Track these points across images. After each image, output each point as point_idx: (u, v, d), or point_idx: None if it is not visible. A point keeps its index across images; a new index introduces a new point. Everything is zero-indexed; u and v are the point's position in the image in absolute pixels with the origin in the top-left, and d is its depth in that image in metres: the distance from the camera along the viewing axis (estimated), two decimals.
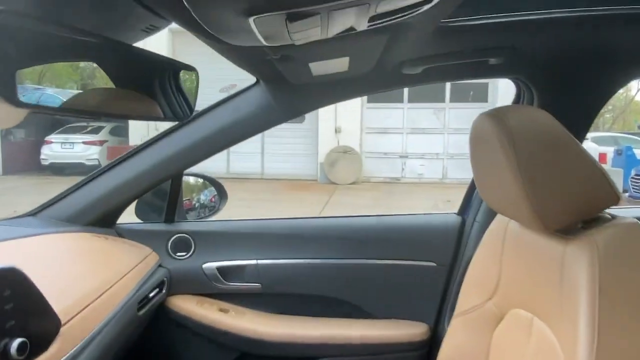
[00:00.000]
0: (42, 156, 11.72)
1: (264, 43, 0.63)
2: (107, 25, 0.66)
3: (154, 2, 0.61)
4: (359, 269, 1.60)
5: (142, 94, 0.72)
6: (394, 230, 1.65)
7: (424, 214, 1.71)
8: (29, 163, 12.09)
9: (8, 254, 1.14)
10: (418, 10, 0.62)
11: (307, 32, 0.59)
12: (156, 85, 0.72)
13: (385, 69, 1.21)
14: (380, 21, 0.61)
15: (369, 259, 1.59)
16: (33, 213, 1.48)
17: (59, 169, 11.38)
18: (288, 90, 1.32)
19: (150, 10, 0.64)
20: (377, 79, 1.31)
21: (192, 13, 0.56)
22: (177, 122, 1.42)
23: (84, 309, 1.04)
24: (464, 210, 1.64)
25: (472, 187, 1.62)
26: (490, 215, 1.20)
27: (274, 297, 1.64)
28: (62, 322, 0.91)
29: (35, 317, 0.84)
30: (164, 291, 1.51)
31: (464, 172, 11.25)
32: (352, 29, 0.62)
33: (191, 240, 1.61)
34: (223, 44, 0.74)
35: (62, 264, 1.21)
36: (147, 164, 1.48)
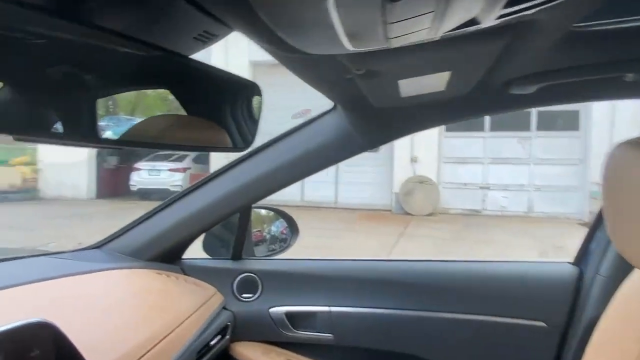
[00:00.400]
0: (131, 182, 12.49)
1: (347, 46, 0.47)
2: (155, 32, 0.52)
3: (209, 1, 0.47)
4: (451, 324, 1.35)
5: (208, 122, 0.59)
6: (495, 280, 1.38)
7: (532, 261, 1.44)
8: (120, 188, 12.94)
9: (66, 293, 1.05)
10: None
11: (412, 23, 0.41)
12: (221, 109, 0.58)
13: (489, 88, 1.00)
14: (515, 9, 0.42)
15: (463, 313, 1.35)
16: (98, 245, 1.42)
17: (146, 194, 12.04)
18: (369, 115, 1.15)
19: (206, 13, 0.50)
20: (477, 101, 1.09)
21: (253, 8, 0.41)
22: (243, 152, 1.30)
23: None
24: (581, 259, 1.35)
25: (592, 232, 1.33)
26: (621, 268, 0.95)
27: (348, 351, 1.43)
28: None
29: None
30: (227, 337, 1.37)
31: (553, 206, 10.40)
32: (473, 22, 0.44)
33: (258, 280, 1.47)
34: (296, 56, 0.58)
35: (118, 307, 1.11)
36: (214, 197, 1.36)
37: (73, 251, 1.37)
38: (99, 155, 13.28)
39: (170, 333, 1.08)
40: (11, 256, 1.21)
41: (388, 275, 1.44)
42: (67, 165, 12.48)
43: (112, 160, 13.87)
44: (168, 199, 1.42)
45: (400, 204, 10.75)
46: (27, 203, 11.68)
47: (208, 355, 1.24)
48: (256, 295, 1.46)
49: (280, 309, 1.43)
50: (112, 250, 1.40)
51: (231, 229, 1.52)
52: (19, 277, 1.02)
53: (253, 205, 1.51)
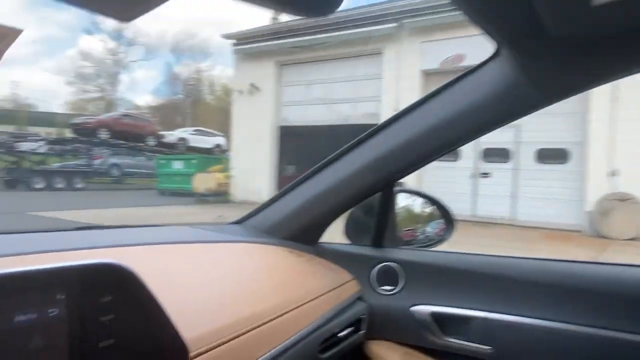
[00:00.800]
0: None
1: None
2: None
3: None
4: None
5: None
6: None
7: None
8: None
9: (190, 258, 1.01)
10: None
11: None
12: None
13: None
14: None
15: None
16: (239, 221, 1.39)
17: None
18: (546, 53, 0.86)
19: None
20: None
21: None
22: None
23: (237, 336, 0.79)
24: None
25: None
26: None
27: None
28: (193, 354, 0.67)
29: (149, 339, 0.61)
30: (361, 331, 1.19)
31: None
32: None
33: (401, 271, 1.26)
34: None
35: (240, 278, 1.02)
36: (348, 172, 1.20)
37: (214, 224, 1.36)
38: (280, 164, 14.51)
39: (290, 311, 0.95)
40: (154, 224, 1.24)
41: (570, 280, 1.08)
42: (252, 172, 13.94)
43: (290, 169, 15.05)
44: (304, 174, 1.31)
45: (593, 225, 9.19)
46: (216, 205, 13.28)
47: (337, 348, 1.08)
48: (397, 289, 1.25)
49: (424, 308, 1.20)
50: (250, 226, 1.35)
51: (373, 213, 1.35)
52: (152, 239, 1.02)
53: (398, 189, 1.31)
